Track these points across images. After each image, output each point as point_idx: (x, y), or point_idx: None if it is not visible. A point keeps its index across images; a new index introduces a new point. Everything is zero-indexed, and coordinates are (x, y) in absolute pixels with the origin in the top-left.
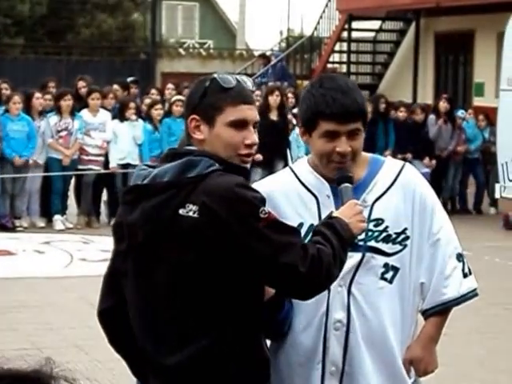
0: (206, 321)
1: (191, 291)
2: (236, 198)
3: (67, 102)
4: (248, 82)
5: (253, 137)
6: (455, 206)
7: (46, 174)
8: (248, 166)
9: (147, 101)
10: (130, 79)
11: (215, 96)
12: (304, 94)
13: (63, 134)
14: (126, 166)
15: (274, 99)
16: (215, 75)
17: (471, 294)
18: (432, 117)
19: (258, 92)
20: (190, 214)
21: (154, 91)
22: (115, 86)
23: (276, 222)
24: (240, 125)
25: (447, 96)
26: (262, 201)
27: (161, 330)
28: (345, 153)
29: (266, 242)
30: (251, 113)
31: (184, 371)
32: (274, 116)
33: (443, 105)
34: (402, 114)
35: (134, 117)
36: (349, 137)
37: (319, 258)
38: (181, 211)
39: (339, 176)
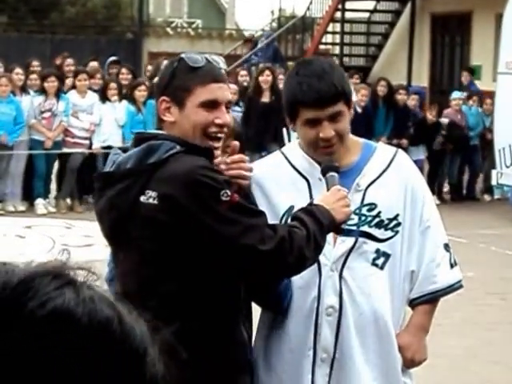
0: (173, 308)
1: (156, 279)
2: (195, 181)
3: (51, 84)
4: (219, 61)
5: (224, 117)
6: (452, 193)
7: (29, 152)
8: (216, 145)
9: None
10: (111, 59)
11: (183, 77)
12: (284, 81)
13: (46, 115)
14: (109, 148)
15: (265, 79)
16: (183, 55)
17: (458, 285)
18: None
19: (243, 72)
20: (150, 200)
21: (124, 70)
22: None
23: (238, 204)
24: (211, 105)
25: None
26: (224, 183)
27: None
28: (329, 138)
29: (227, 225)
30: (222, 92)
31: None
32: (265, 98)
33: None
34: (400, 97)
35: (115, 98)
36: (331, 120)
37: (290, 238)
38: (141, 198)
39: (324, 166)
